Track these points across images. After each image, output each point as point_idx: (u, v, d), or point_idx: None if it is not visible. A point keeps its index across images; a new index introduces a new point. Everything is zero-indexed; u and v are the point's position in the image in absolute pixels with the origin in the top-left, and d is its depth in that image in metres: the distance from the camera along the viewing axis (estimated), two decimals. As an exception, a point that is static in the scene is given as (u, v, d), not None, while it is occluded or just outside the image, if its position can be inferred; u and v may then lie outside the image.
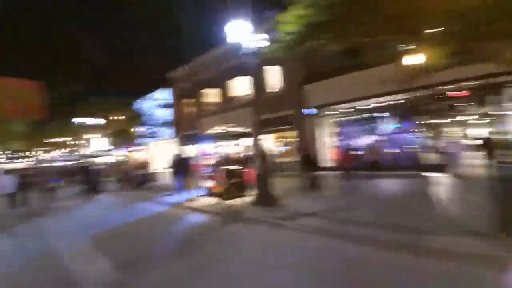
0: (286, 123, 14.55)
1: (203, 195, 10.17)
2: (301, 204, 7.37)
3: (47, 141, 31.95)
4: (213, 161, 10.15)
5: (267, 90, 17.14)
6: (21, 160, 54.71)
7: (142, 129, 15.41)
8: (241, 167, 9.23)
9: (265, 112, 16.89)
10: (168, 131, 17.19)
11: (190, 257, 4.95)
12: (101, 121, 19.43)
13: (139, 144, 19.51)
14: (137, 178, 13.51)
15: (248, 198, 8.56)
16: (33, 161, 48.77)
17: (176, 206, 9.25)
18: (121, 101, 15.12)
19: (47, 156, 45.90)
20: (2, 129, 37.06)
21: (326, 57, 8.87)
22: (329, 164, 12.49)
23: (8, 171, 13.95)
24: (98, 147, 28.70)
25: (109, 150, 30.32)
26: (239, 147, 12.05)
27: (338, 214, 6.26)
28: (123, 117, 15.61)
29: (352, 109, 12.62)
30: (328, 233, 5.25)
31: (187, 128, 24.24)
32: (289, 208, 7.09)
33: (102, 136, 22.85)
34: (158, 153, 30.16)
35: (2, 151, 45.84)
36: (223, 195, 8.51)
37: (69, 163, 31.04)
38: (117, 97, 15.22)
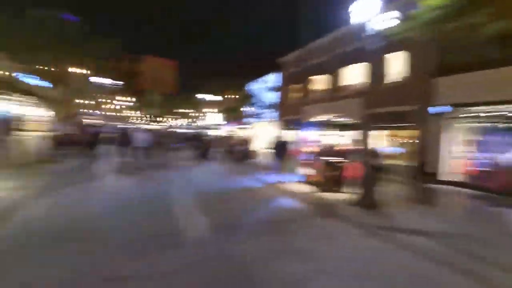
0: (404, 120, 12.57)
1: (298, 181, 10.08)
2: (407, 216, 6.26)
3: (175, 110, 38.41)
4: (313, 149, 9.78)
5: (385, 81, 15.22)
6: (156, 123, 68.34)
7: (250, 108, 16.32)
8: (342, 161, 8.55)
9: (378, 105, 15.15)
10: (273, 114, 17.66)
11: (278, 236, 5.00)
12: (218, 98, 21.67)
13: (246, 123, 21.01)
14: (240, 153, 14.60)
15: (344, 195, 7.93)
16: (165, 125, 59.99)
17: (271, 185, 9.48)
18: (237, 81, 16.37)
19: (174, 123, 55.72)
20: (145, 98, 47.05)
21: (474, 43, 6.92)
22: (451, 177, 10.22)
23: (146, 130, 17.31)
24: (212, 121, 32.52)
25: (221, 124, 34.04)
26: (343, 139, 11.20)
27: (458, 240, 4.96)
28: (236, 96, 16.90)
29: (499, 114, 9.72)
30: (441, 261, 4.22)
31: (290, 113, 24.44)
32: (392, 218, 6.13)
33: (217, 112, 25.63)
34: (261, 133, 32.07)
35: (144, 115, 58.38)
36: (319, 186, 8.13)
37: (189, 131, 36.59)
38: (235, 78, 16.61)
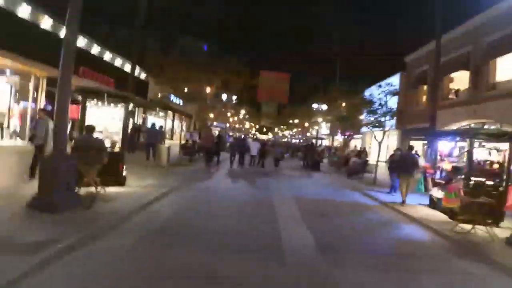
0: None
1: (425, 205, 8.26)
2: None
3: (290, 121, 39.62)
4: (450, 166, 7.78)
5: None
6: (268, 134, 72.84)
7: (365, 116, 14.82)
8: (497, 183, 6.38)
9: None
10: (392, 122, 15.47)
11: (397, 273, 3.95)
12: (324, 106, 20.95)
13: (359, 132, 19.34)
14: (355, 165, 13.41)
15: (499, 230, 5.84)
16: (272, 135, 63.09)
17: (390, 206, 8.10)
18: (353, 86, 15.30)
19: (286, 133, 57.81)
20: (262, 110, 51.00)
21: None
22: None
23: (255, 140, 18.43)
24: (323, 130, 31.69)
25: (332, 134, 32.74)
26: (496, 153, 8.45)
27: None
28: (346, 104, 15.82)
29: None
30: None
31: (416, 120, 20.87)
32: None
33: (327, 121, 24.75)
34: (377, 144, 28.78)
35: (258, 125, 63.44)
36: (458, 215, 6.33)
37: (297, 140, 36.88)
38: (351, 83, 15.60)
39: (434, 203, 7.99)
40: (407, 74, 24.07)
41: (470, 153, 6.74)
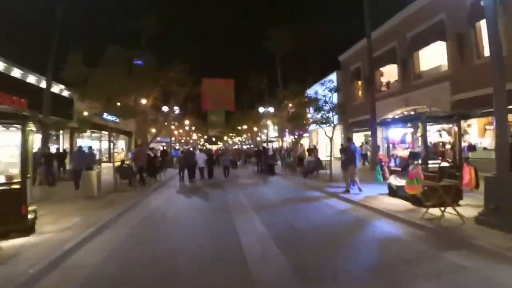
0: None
1: (385, 194, 8.11)
2: None
3: (239, 127, 38.80)
4: (404, 152, 7.73)
5: (479, 57, 12.12)
6: (217, 143, 71.25)
7: (311, 115, 14.77)
8: (452, 165, 6.38)
9: (471, 88, 12.11)
10: (335, 117, 15.77)
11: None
12: (271, 109, 20.74)
13: (306, 131, 19.49)
14: (310, 164, 13.08)
15: (464, 208, 5.78)
16: (222, 144, 61.83)
17: (357, 204, 7.69)
18: (295, 87, 15.15)
19: (235, 140, 57.00)
20: (208, 119, 49.41)
21: None
22: None
23: (201, 150, 17.26)
24: (272, 133, 31.66)
25: (280, 136, 32.92)
26: (446, 134, 8.76)
27: None
28: (293, 103, 15.68)
29: None
30: None
31: (356, 114, 22.00)
32: None
33: (275, 123, 24.60)
34: (323, 140, 29.76)
35: (201, 135, 61.50)
36: (425, 201, 6.12)
37: (246, 146, 36.34)
38: (294, 84, 15.40)
39: (393, 191, 7.86)
40: (343, 72, 25.47)
41: (424, 137, 6.68)
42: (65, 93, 19.62)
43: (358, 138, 21.99)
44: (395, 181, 7.77)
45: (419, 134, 7.43)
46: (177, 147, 36.09)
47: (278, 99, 15.23)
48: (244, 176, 16.32)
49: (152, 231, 6.01)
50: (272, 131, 36.21)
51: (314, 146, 20.60)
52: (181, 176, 14.55)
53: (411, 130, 7.77)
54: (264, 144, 24.14)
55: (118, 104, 15.73)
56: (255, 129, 32.34)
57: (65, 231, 5.62)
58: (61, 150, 15.89)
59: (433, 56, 15.79)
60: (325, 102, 14.20)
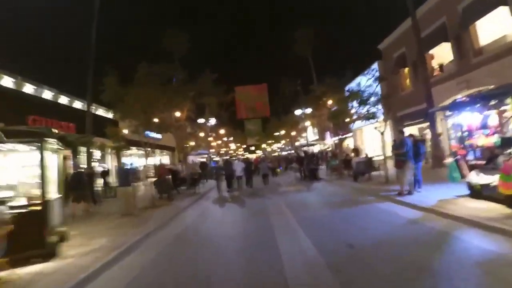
0: None
1: (464, 196, 6.39)
2: None
3: (276, 134, 37.72)
4: (489, 140, 5.99)
5: None
6: (255, 151, 70.74)
7: (356, 109, 13.18)
8: None
9: None
10: (380, 111, 13.99)
11: None
12: (309, 110, 19.41)
13: (350, 130, 17.75)
14: (360, 165, 11.47)
15: None
16: (261, 152, 61.08)
17: (426, 210, 6.12)
18: (332, 82, 13.72)
19: (272, 147, 55.94)
20: (244, 128, 49.25)
21: None
22: None
23: (238, 160, 16.68)
24: (311, 136, 30.06)
25: (321, 138, 31.16)
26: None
27: None
28: (333, 99, 14.25)
29: None
30: None
31: (405, 105, 19.64)
32: None
33: (313, 125, 23.11)
34: (369, 139, 27.23)
35: (239, 145, 61.41)
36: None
37: (286, 152, 35.01)
38: (329, 78, 14.00)
39: (476, 192, 6.13)
40: (385, 62, 23.19)
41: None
42: (110, 115, 20.62)
43: (412, 132, 19.54)
44: (478, 178, 6.05)
45: (509, 113, 5.68)
46: (216, 159, 36.26)
47: (315, 97, 13.87)
48: (286, 184, 15.14)
49: (180, 253, 5.20)
50: (311, 134, 34.50)
51: (357, 146, 18.53)
52: (219, 187, 13.95)
53: (493, 111, 6.01)
54: (305, 148, 22.75)
55: (156, 120, 15.85)
56: (293, 133, 30.98)
57: (88, 255, 5.10)
58: (105, 169, 16.38)
59: (495, 26, 13.25)
60: (370, 94, 12.62)
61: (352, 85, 13.89)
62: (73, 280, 3.99)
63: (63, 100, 18.60)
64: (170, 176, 13.14)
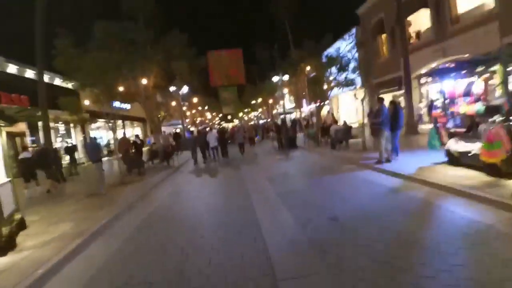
0: None
1: (442, 163, 6.42)
2: None
3: (253, 102, 36.48)
4: (469, 108, 5.87)
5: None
6: (232, 120, 69.54)
7: (333, 77, 12.78)
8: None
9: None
10: (357, 79, 13.72)
11: None
12: (286, 77, 18.73)
13: (327, 98, 17.44)
14: (335, 135, 11.32)
15: None
16: (238, 121, 60.23)
17: (406, 178, 6.07)
18: (310, 47, 13.00)
19: (249, 116, 55.13)
20: (219, 97, 47.49)
21: None
22: None
23: (211, 130, 16.13)
24: (288, 105, 29.62)
25: (298, 106, 30.84)
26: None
27: None
28: (311, 66, 13.66)
29: None
30: None
31: (381, 73, 19.56)
32: None
33: (291, 92, 22.55)
34: (345, 107, 27.32)
35: (215, 115, 59.78)
36: (505, 169, 4.44)
37: (263, 121, 34.62)
38: (307, 43, 13.20)
39: (455, 159, 6.15)
40: (362, 27, 22.59)
41: (506, 83, 4.81)
42: (70, 85, 18.60)
43: (387, 100, 19.75)
44: (457, 145, 6.02)
45: (495, 80, 5.51)
46: (192, 129, 35.08)
47: (292, 63, 13.16)
48: (264, 153, 14.87)
49: (151, 238, 4.75)
50: (288, 102, 34.06)
51: (333, 113, 18.40)
52: (195, 159, 13.50)
53: (477, 78, 5.82)
54: (282, 117, 22.41)
55: (120, 88, 14.38)
56: (270, 101, 30.30)
57: (48, 246, 4.51)
58: (69, 144, 15.02)
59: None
60: (349, 60, 12.19)
61: (331, 50, 13.31)
62: (27, 280, 3.44)
63: (12, 69, 16.28)
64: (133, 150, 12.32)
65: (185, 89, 20.34)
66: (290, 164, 10.63)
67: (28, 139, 15.94)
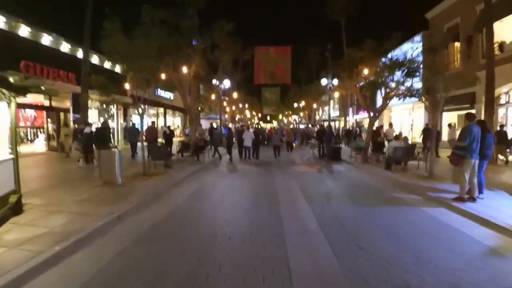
0: None
1: None
2: None
3: (296, 104, 34.80)
4: None
5: None
6: (271, 121, 68.10)
7: (395, 84, 10.82)
8: None
9: None
10: (417, 91, 11.53)
11: None
12: (336, 81, 16.90)
13: (386, 106, 15.20)
14: (393, 153, 9.31)
15: None
16: (276, 123, 58.63)
17: (505, 233, 4.22)
18: (371, 47, 11.19)
19: (289, 119, 53.28)
20: (261, 96, 46.44)
21: None
22: None
23: (248, 129, 15.57)
24: (332, 111, 27.51)
25: (344, 114, 28.57)
26: None
27: None
28: (369, 69, 11.87)
29: None
30: None
31: (451, 86, 16.84)
32: None
33: (341, 96, 20.55)
34: (399, 121, 24.39)
35: (255, 114, 58.63)
36: None
37: (303, 126, 32.75)
38: (369, 42, 11.43)
39: None
40: (431, 33, 19.83)
41: None
42: (118, 69, 18.77)
43: (452, 119, 16.95)
44: None
45: None
46: (230, 126, 34.50)
47: (349, 63, 11.36)
48: (302, 162, 13.25)
49: (151, 253, 3.64)
50: (331, 109, 31.73)
51: (382, 126, 15.89)
52: (230, 157, 13.66)
53: None
54: (326, 123, 20.57)
55: (163, 76, 13.91)
56: (314, 105, 28.36)
57: (27, 245, 3.64)
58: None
59: None
60: (418, 65, 10.17)
61: (397, 53, 11.30)
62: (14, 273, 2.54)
63: (65, 47, 16.82)
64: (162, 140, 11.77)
65: (227, 82, 19.57)
66: (334, 181, 8.92)
67: (71, 116, 16.35)
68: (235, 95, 28.33)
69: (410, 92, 11.17)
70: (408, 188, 7.24)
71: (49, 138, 16.59)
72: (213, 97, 19.80)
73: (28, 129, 17.91)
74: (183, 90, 15.53)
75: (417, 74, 9.88)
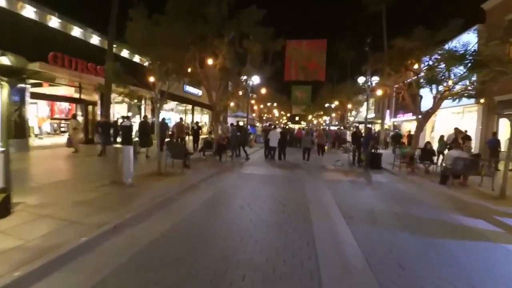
0: None
1: None
2: None
3: (327, 105, 32.66)
4: None
5: None
6: (300, 122, 65.83)
7: (452, 82, 9.07)
8: None
9: None
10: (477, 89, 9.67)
11: None
12: (375, 79, 15.16)
13: (438, 107, 13.11)
14: (453, 165, 7.57)
15: None
16: (305, 124, 56.36)
17: None
18: (423, 36, 9.46)
19: (319, 120, 50.89)
20: (292, 95, 44.58)
21: None
22: None
23: (275, 129, 14.89)
24: (363, 113, 25.51)
25: (381, 116, 26.38)
26: None
27: None
28: (418, 63, 10.20)
29: None
30: None
31: (505, 88, 14.32)
32: None
33: (386, 95, 18.59)
34: (441, 127, 21.72)
35: (283, 113, 56.57)
36: None
37: (335, 127, 30.75)
38: (420, 30, 9.69)
39: None
40: (488, 26, 17.26)
41: None
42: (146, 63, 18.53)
43: (507, 127, 14.50)
44: None
45: None
46: (257, 124, 33.50)
47: (399, 52, 9.60)
48: (335, 168, 11.80)
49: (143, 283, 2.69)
50: (364, 111, 29.35)
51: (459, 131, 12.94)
52: (266, 154, 13.85)
53: None
54: (361, 126, 18.83)
55: (188, 70, 13.24)
56: (349, 106, 26.35)
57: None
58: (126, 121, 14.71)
59: None
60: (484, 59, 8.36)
61: (455, 44, 9.49)
62: None
63: (94, 40, 16.84)
64: (186, 138, 11.14)
65: (255, 78, 18.56)
66: (376, 194, 7.40)
67: (98, 109, 16.29)
68: (263, 90, 27.16)
69: (468, 92, 9.36)
70: (475, 211, 5.68)
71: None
72: (240, 93, 18.89)
73: (62, 121, 18.22)
74: (209, 85, 14.75)
75: (481, 70, 8.06)
